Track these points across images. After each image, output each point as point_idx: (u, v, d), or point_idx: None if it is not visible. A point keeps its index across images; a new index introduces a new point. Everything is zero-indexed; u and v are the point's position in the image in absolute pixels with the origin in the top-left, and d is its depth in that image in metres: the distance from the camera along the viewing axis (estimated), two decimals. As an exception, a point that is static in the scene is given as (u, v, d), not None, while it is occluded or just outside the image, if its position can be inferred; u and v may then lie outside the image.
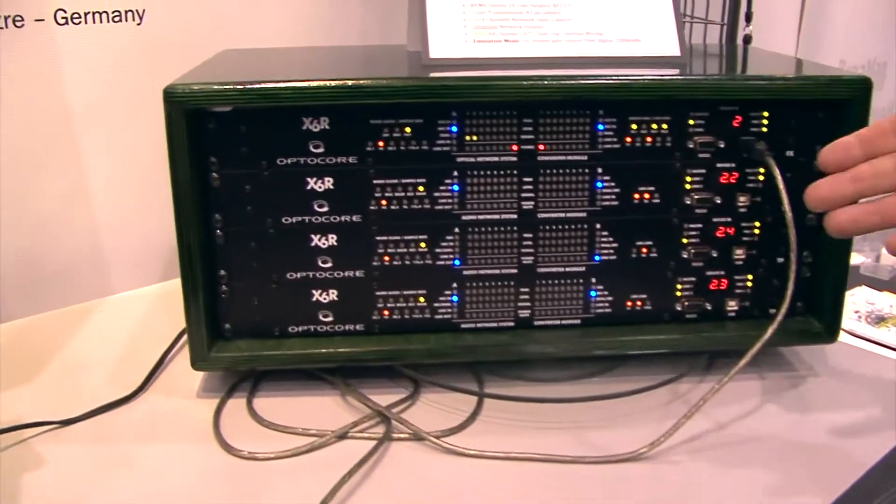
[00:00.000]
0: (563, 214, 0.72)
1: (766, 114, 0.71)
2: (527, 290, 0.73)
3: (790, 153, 0.72)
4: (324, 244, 0.71)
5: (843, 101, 0.70)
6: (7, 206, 0.87)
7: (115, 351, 0.80)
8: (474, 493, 0.60)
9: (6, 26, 0.84)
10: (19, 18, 0.85)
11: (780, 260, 0.75)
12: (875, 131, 0.60)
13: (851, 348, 0.82)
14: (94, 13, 0.89)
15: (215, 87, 0.65)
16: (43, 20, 0.86)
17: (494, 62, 0.73)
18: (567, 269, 0.73)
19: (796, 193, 0.71)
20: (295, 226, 0.70)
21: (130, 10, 0.91)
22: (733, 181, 0.72)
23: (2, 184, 0.87)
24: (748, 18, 1.17)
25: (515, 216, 0.71)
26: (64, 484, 0.61)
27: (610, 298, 0.74)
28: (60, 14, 0.87)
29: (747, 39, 1.19)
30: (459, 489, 0.61)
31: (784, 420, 0.69)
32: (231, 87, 0.65)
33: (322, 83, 0.65)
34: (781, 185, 0.67)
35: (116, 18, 0.91)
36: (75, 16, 0.88)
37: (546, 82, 0.67)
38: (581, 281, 0.74)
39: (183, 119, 0.65)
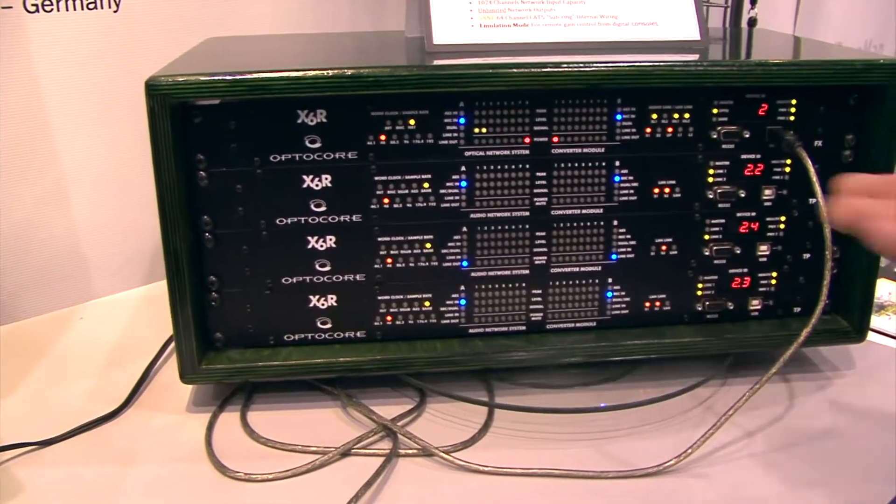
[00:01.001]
0: (578, 211, 0.67)
1: (794, 101, 0.66)
2: (539, 291, 0.69)
3: (819, 143, 0.68)
4: (322, 246, 0.66)
5: (875, 87, 0.66)
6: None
7: (97, 361, 0.75)
8: (492, 516, 0.56)
9: (-28, 14, 0.78)
10: (-13, 5, 0.79)
11: (807, 256, 0.71)
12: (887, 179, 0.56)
13: (876, 345, 0.78)
14: (66, 0, 0.83)
15: (202, 78, 0.59)
16: (11, 7, 0.80)
17: (503, 48, 0.68)
18: (582, 269, 0.69)
19: (823, 186, 0.67)
20: (290, 227, 0.65)
21: (107, -4, 0.86)
22: (758, 173, 0.68)
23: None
24: (753, 0, 1.13)
25: (527, 213, 0.67)
26: (45, 513, 0.56)
27: (627, 299, 0.70)
28: (30, 1, 0.81)
29: (752, 22, 1.14)
30: (476, 510, 0.56)
31: (816, 424, 0.65)
32: (220, 78, 0.60)
33: (319, 73, 0.60)
34: (815, 178, 0.62)
35: (91, 6, 0.85)
36: (46, 3, 0.82)
37: (563, 69, 0.62)
38: (597, 281, 0.69)
39: (167, 113, 0.59)
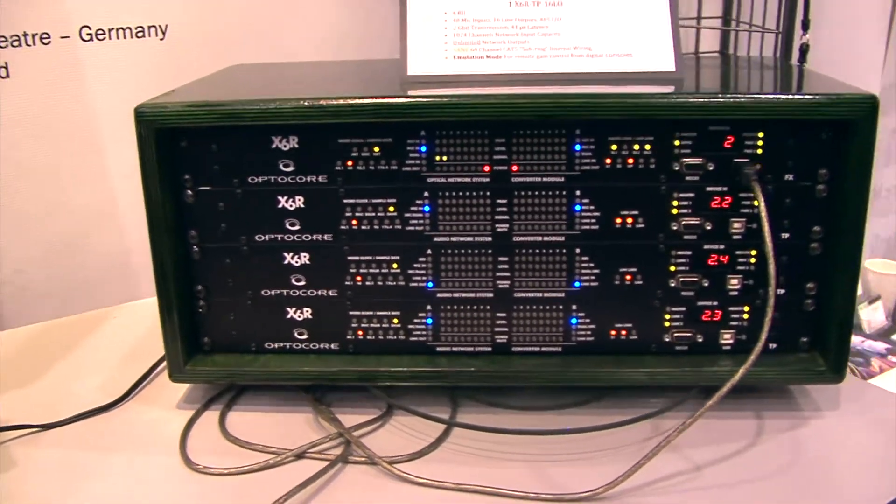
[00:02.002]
0: (539, 238, 0.69)
1: (760, 134, 0.66)
2: (503, 314, 0.71)
3: (790, 177, 0.66)
4: (297, 262, 0.71)
5: (848, 122, 0.64)
6: (36, 218, 0.92)
7: (114, 358, 0.83)
8: (413, 526, 0.59)
9: (33, 44, 0.89)
10: (46, 36, 0.89)
11: (781, 291, 0.70)
12: None
13: (868, 387, 0.75)
14: (117, 29, 0.93)
15: (181, 106, 0.66)
16: (68, 37, 0.91)
17: (475, 79, 0.71)
18: (545, 295, 0.70)
19: (797, 220, 0.67)
20: (268, 243, 0.70)
21: (154, 26, 0.95)
22: (726, 206, 0.68)
23: (32, 196, 0.91)
24: (805, 27, 1.10)
25: (489, 239, 0.69)
26: (27, 486, 0.63)
27: (592, 327, 0.71)
28: (85, 31, 0.91)
29: (804, 48, 1.11)
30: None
31: (768, 467, 0.64)
32: (197, 107, 0.66)
33: (283, 102, 0.65)
34: (764, 213, 0.62)
35: (140, 34, 0.94)
36: (100, 32, 0.92)
37: (517, 101, 0.64)
38: (560, 307, 0.71)
39: (153, 137, 0.66)
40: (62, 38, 0.90)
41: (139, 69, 0.94)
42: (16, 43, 0.88)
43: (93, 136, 0.93)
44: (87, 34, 0.91)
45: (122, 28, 0.93)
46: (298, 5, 1.01)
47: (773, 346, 0.71)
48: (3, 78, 0.88)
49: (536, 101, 0.64)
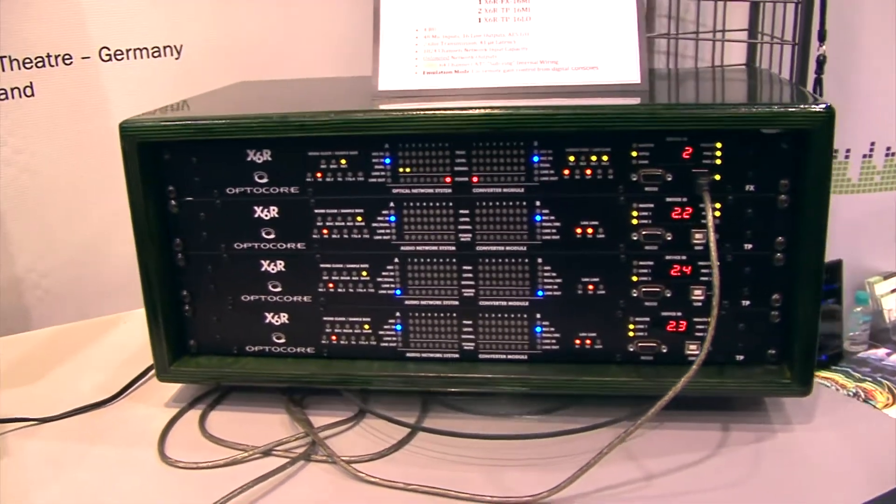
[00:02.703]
0: (501, 248, 0.70)
1: (718, 145, 0.66)
2: (470, 322, 0.73)
3: (751, 188, 0.66)
4: (273, 269, 0.74)
5: (804, 132, 0.64)
6: (59, 227, 0.98)
7: (116, 360, 0.88)
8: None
9: (56, 64, 0.95)
10: (68, 57, 0.96)
11: (746, 303, 0.69)
12: None
13: (846, 402, 0.73)
14: (135, 49, 0.99)
15: (160, 122, 0.70)
16: (89, 57, 0.97)
17: (442, 93, 0.73)
18: (510, 304, 0.72)
19: (760, 230, 0.67)
20: (246, 251, 0.74)
21: (169, 46, 1.00)
22: (687, 217, 0.68)
23: (56, 207, 0.98)
24: (821, 38, 1.08)
25: (454, 248, 0.71)
26: (16, 474, 0.68)
27: (557, 335, 0.72)
28: (105, 51, 0.97)
29: (821, 60, 1.09)
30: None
31: (720, 478, 0.64)
32: (174, 122, 0.70)
33: (253, 118, 0.69)
34: (711, 224, 0.62)
35: (156, 54, 1.00)
36: (118, 53, 0.98)
37: (472, 114, 0.66)
38: (525, 316, 0.72)
39: (135, 151, 0.70)
40: (83, 58, 0.96)
41: (155, 87, 1.00)
42: (40, 64, 0.94)
43: (112, 150, 0.98)
44: (107, 55, 0.97)
45: (139, 48, 0.99)
46: (310, 23, 1.05)
47: (740, 357, 0.71)
48: (28, 96, 0.95)
49: (491, 114, 0.66)
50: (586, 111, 0.66)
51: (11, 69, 0.94)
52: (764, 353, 0.70)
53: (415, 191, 0.70)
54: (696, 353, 0.71)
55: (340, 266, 0.73)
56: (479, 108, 0.66)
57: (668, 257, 0.69)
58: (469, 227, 0.70)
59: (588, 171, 0.68)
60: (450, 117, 0.67)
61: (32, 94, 0.95)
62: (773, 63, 1.24)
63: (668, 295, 0.70)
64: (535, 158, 0.68)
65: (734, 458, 0.66)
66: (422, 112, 0.68)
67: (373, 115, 0.69)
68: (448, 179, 0.69)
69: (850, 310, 1.75)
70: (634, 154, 0.67)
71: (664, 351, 0.71)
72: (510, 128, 0.66)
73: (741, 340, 0.70)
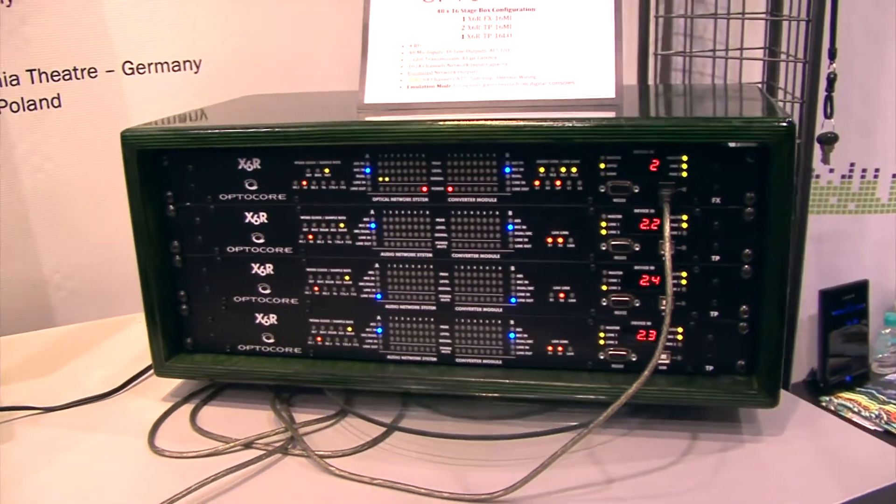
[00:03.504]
0: (476, 255, 0.73)
1: (684, 158, 0.67)
2: (447, 327, 0.75)
3: (717, 200, 0.68)
4: (262, 272, 0.78)
5: (765, 146, 0.65)
6: (85, 230, 1.04)
7: (125, 357, 0.92)
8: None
9: (82, 77, 1.01)
10: (93, 70, 1.02)
11: (714, 314, 0.70)
12: None
13: (820, 415, 0.74)
14: (156, 64, 1.04)
15: (157, 131, 0.75)
16: (113, 71, 1.02)
17: (424, 106, 0.76)
18: (484, 310, 0.74)
19: (727, 243, 0.68)
20: (237, 255, 0.78)
21: (188, 61, 1.05)
22: (654, 228, 0.69)
23: (81, 211, 1.03)
24: (832, 55, 1.08)
25: (430, 255, 0.74)
26: (16, 456, 0.73)
27: (530, 342, 0.74)
28: (128, 65, 1.03)
29: (831, 78, 1.09)
30: (314, 503, 0.65)
31: (685, 483, 0.65)
32: (170, 132, 0.75)
33: (243, 128, 0.73)
34: (667, 234, 0.64)
35: (176, 68, 1.05)
36: (140, 66, 1.03)
37: (441, 126, 0.69)
38: (499, 322, 0.74)
39: (135, 157, 0.75)
40: (107, 71, 1.02)
41: (175, 99, 1.05)
42: (67, 76, 1.00)
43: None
44: (130, 68, 1.03)
45: (160, 63, 1.05)
46: (323, 38, 1.10)
47: (709, 368, 0.72)
48: (56, 107, 1.01)
49: (461, 127, 0.69)
50: (551, 124, 0.68)
51: (40, 81, 1.00)
52: (733, 364, 0.71)
53: (393, 199, 0.73)
54: (667, 362, 0.73)
55: (325, 270, 0.76)
56: (450, 120, 0.69)
57: (636, 267, 0.71)
58: (445, 234, 0.73)
59: (558, 182, 0.70)
60: (424, 129, 0.70)
61: (59, 105, 1.01)
62: (788, 81, 1.24)
63: (638, 304, 0.71)
64: (507, 169, 0.71)
65: (696, 466, 0.67)
66: (397, 124, 0.71)
67: (352, 126, 0.72)
68: (424, 189, 0.72)
69: (878, 331, 1.71)
70: (602, 166, 0.69)
71: (634, 359, 0.73)
72: (479, 139, 0.69)
73: (710, 351, 0.71)
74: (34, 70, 1.00)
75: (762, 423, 0.73)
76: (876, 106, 1.51)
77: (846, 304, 1.64)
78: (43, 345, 0.98)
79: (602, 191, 0.69)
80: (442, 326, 0.76)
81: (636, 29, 1.39)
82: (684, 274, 0.70)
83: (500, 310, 0.74)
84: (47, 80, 1.00)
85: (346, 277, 0.76)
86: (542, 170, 0.70)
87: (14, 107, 1.01)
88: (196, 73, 1.06)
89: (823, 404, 1.58)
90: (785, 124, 0.64)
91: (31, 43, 0.99)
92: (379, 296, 0.76)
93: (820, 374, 1.67)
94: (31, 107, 1.01)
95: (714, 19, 1.33)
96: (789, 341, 1.32)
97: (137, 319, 1.03)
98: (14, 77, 1.00)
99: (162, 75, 1.04)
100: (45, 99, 1.01)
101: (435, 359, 0.77)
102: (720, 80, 1.40)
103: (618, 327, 0.72)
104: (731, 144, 0.66)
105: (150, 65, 1.04)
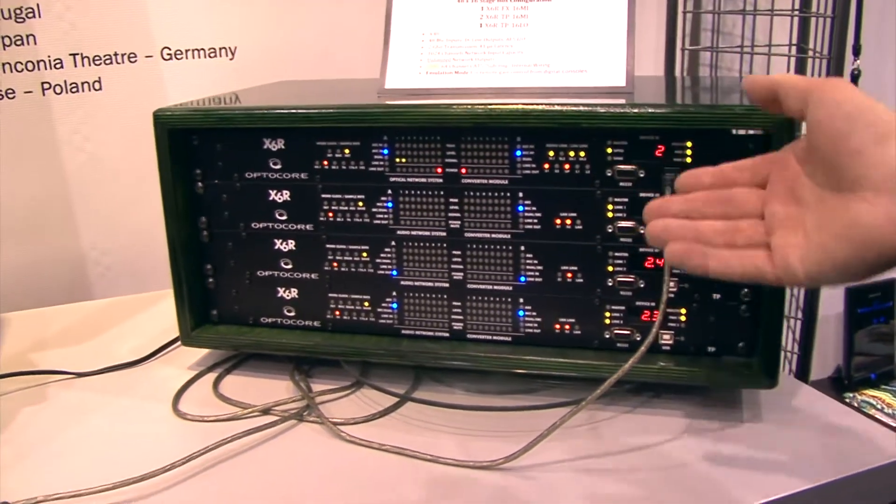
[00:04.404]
0: (487, 235, 0.76)
1: (689, 144, 0.70)
2: (459, 304, 0.78)
3: (720, 186, 0.70)
4: (285, 248, 0.82)
5: (766, 134, 0.67)
6: (121, 209, 1.09)
7: (156, 328, 0.97)
8: (332, 469, 0.67)
9: (122, 62, 1.06)
10: (133, 55, 1.06)
11: (717, 296, 0.72)
12: (734, 167, 0.59)
13: (821, 398, 0.75)
14: (193, 50, 1.08)
15: (187, 111, 0.79)
16: (152, 56, 1.07)
17: (442, 92, 0.79)
18: (495, 288, 0.77)
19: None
20: (261, 231, 0.82)
21: (224, 48, 1.10)
22: (660, 212, 0.72)
23: (118, 191, 1.08)
24: (856, 52, 1.08)
25: (444, 234, 0.77)
26: (47, 417, 0.78)
27: (539, 320, 0.77)
28: (166, 51, 1.07)
29: (855, 75, 1.10)
30: (324, 465, 0.68)
31: (672, 459, 0.67)
32: (199, 112, 0.79)
33: (268, 109, 0.77)
34: (668, 216, 0.65)
35: (212, 55, 1.09)
36: (178, 52, 1.08)
37: (455, 109, 0.72)
38: (509, 300, 0.77)
39: (166, 136, 0.79)
40: (146, 57, 1.07)
41: (211, 84, 1.09)
42: (108, 61, 1.05)
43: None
44: (168, 54, 1.07)
45: (197, 49, 1.09)
46: (355, 27, 1.13)
47: (711, 349, 0.74)
48: (97, 90, 1.06)
49: (473, 111, 0.72)
50: (561, 109, 0.70)
51: (83, 65, 1.05)
52: (734, 346, 0.73)
53: (410, 179, 0.76)
54: (670, 342, 0.75)
55: (343, 247, 0.80)
56: (464, 104, 0.72)
57: (642, 250, 0.73)
58: (458, 214, 0.76)
59: (566, 166, 0.73)
60: (439, 113, 0.73)
61: (101, 88, 1.06)
62: (814, 77, 1.24)
63: (642, 285, 0.74)
64: (518, 153, 0.73)
65: (695, 443, 0.70)
66: (414, 108, 0.74)
67: (371, 109, 0.76)
68: (439, 170, 0.75)
69: (904, 330, 1.71)
70: (610, 151, 0.71)
71: (638, 339, 0.75)
72: (492, 123, 0.72)
73: (712, 332, 0.73)
74: (77, 54, 1.05)
75: (763, 404, 0.75)
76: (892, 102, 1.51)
77: (872, 302, 1.63)
78: (79, 317, 1.03)
79: (609, 175, 0.72)
80: (454, 303, 0.79)
81: (664, 24, 1.41)
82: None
83: (510, 288, 0.77)
84: (89, 64, 1.05)
85: (364, 254, 0.80)
86: (551, 153, 0.73)
87: (57, 89, 1.06)
88: (231, 59, 1.10)
89: (847, 401, 1.58)
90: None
91: (75, 28, 1.04)
92: (395, 272, 0.79)
93: (845, 371, 1.67)
94: (74, 89, 1.06)
95: (742, 15, 1.34)
96: (809, 336, 1.33)
97: (169, 295, 1.08)
98: (58, 60, 1.05)
99: (198, 61, 1.09)
100: (87, 82, 1.06)
101: (447, 334, 0.80)
102: (747, 75, 1.41)
103: (623, 307, 0.75)
104: (739, 132, 0.69)
105: (187, 51, 1.08)
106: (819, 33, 1.20)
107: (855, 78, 1.12)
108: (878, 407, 1.53)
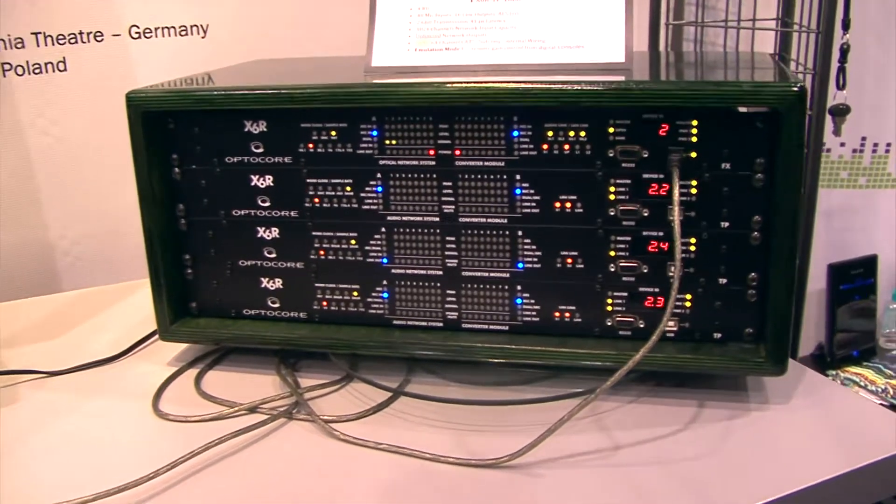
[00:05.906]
0: (483, 220, 0.72)
1: (694, 123, 0.66)
2: (453, 292, 0.75)
3: (726, 166, 0.67)
4: (268, 236, 0.78)
5: (775, 111, 0.64)
6: (91, 197, 1.04)
7: (131, 322, 0.92)
8: (326, 471, 0.64)
9: (88, 41, 1.00)
10: (99, 34, 1.01)
11: (723, 281, 0.70)
12: None
13: (828, 384, 0.73)
14: (163, 28, 1.03)
15: (161, 93, 0.74)
16: (119, 35, 1.02)
17: (432, 69, 0.75)
18: (491, 275, 0.74)
19: (736, 209, 0.67)
20: (243, 218, 0.77)
21: (196, 25, 1.04)
22: (664, 193, 0.69)
23: (87, 178, 1.03)
24: (845, 26, 1.06)
25: (437, 219, 0.73)
26: (19, 419, 0.73)
27: (537, 307, 0.74)
28: (134, 29, 1.02)
29: (844, 49, 1.08)
30: (319, 468, 0.65)
31: (683, 451, 0.65)
32: (174, 93, 0.74)
33: (248, 90, 0.72)
34: (676, 198, 0.63)
35: (183, 33, 1.04)
36: (147, 31, 1.02)
37: (448, 88, 0.68)
38: (506, 287, 0.74)
39: (140, 120, 0.74)
40: (114, 35, 1.01)
41: (182, 64, 1.04)
42: (73, 40, 0.99)
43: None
44: (136, 33, 1.02)
45: (167, 27, 1.04)
46: (334, 3, 1.08)
47: (717, 335, 0.72)
48: (61, 71, 1.01)
49: (468, 89, 0.68)
50: (560, 87, 0.67)
51: (46, 45, 0.99)
52: (741, 332, 0.71)
53: (400, 162, 0.73)
54: (674, 329, 0.72)
55: (331, 234, 0.76)
56: (458, 82, 0.68)
57: (645, 233, 0.70)
58: (452, 198, 0.72)
59: (566, 147, 0.69)
60: (431, 92, 0.69)
61: (65, 69, 1.01)
62: (800, 52, 1.22)
63: (646, 271, 0.71)
64: (515, 133, 0.70)
65: (702, 433, 0.67)
66: (404, 86, 0.70)
67: (358, 88, 0.71)
68: (432, 152, 0.72)
69: (886, 306, 1.71)
70: (611, 130, 0.68)
71: (641, 326, 0.72)
72: (487, 102, 0.68)
73: (718, 318, 0.71)
74: (39, 33, 0.99)
75: (769, 391, 0.73)
76: (889, 79, 1.49)
77: (855, 278, 1.63)
78: (48, 310, 0.98)
79: (611, 155, 0.69)
80: (448, 291, 0.75)
81: (648, -2, 1.37)
82: (693, 240, 0.69)
83: (507, 275, 0.73)
84: (52, 44, 0.99)
85: (353, 241, 0.76)
86: (550, 134, 0.69)
87: (19, 70, 1.00)
88: (203, 37, 1.05)
89: (830, 378, 1.58)
90: (796, 89, 0.63)
91: (36, 5, 0.98)
92: (385, 260, 0.75)
93: (827, 348, 1.67)
94: (37, 70, 1.00)
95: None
96: (798, 314, 1.31)
97: (144, 285, 1.03)
98: (19, 40, 0.99)
99: (169, 40, 1.03)
100: (51, 63, 1.00)
101: (441, 324, 0.76)
102: (732, 50, 1.38)
103: (625, 293, 0.72)
104: (742, 109, 0.66)
105: (156, 29, 1.03)
106: (805, 7, 1.17)
107: (844, 53, 1.10)
108: (862, 384, 1.53)
